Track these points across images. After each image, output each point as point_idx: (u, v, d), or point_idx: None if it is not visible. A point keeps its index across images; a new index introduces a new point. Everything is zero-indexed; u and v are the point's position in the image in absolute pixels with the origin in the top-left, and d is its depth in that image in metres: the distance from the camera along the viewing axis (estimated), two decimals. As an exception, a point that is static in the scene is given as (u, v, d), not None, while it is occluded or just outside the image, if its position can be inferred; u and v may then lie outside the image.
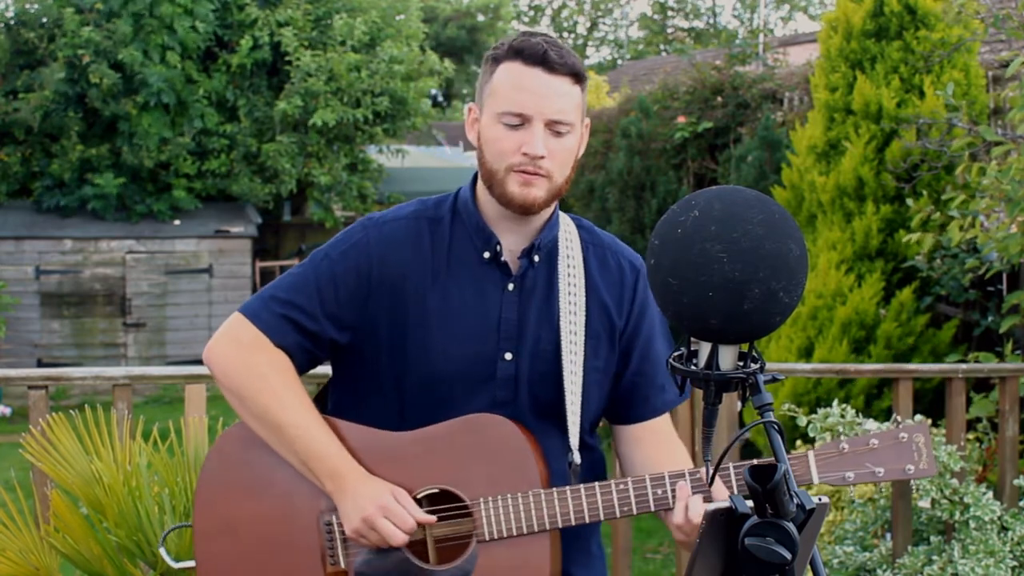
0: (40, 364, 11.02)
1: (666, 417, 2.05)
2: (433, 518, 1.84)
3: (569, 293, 1.93)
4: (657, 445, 2.01)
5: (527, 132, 1.82)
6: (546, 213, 1.92)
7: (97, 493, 2.60)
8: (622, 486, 1.84)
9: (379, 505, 1.81)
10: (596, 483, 1.85)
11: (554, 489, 1.85)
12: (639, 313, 1.99)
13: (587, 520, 1.84)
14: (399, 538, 1.81)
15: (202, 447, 2.70)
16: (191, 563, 2.01)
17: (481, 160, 1.88)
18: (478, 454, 1.86)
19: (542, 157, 1.82)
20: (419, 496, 1.87)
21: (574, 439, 1.92)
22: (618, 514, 1.85)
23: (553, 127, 1.82)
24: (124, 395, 3.25)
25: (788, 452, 1.90)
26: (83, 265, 11.62)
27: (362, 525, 1.81)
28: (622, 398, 2.01)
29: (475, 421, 1.87)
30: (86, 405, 2.73)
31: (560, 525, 1.84)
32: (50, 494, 2.67)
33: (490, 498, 1.84)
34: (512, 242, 1.92)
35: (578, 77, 1.84)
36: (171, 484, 2.63)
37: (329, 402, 2.04)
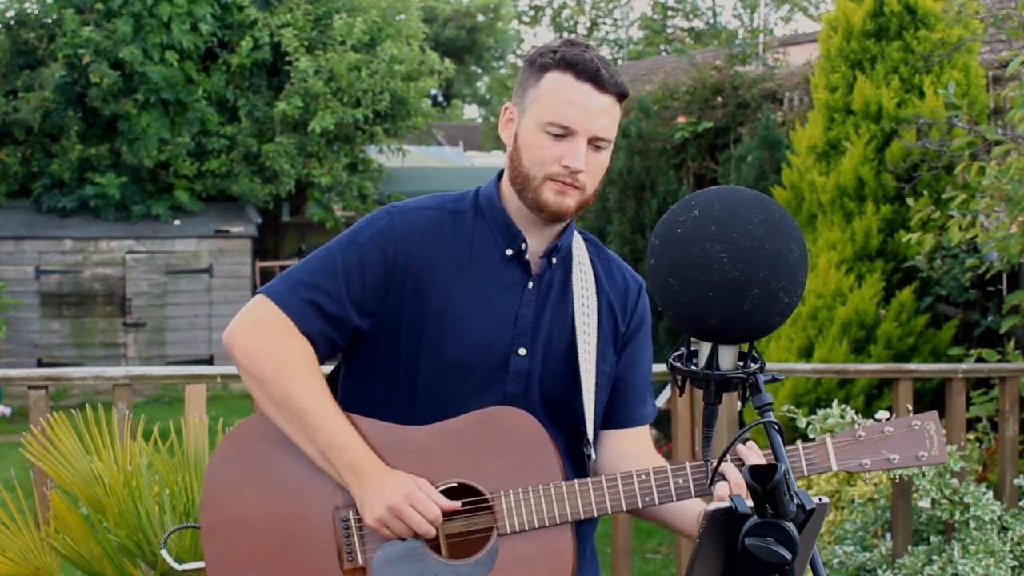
0: (40, 364, 11.02)
1: (646, 432, 2.07)
2: (457, 504, 1.82)
3: (582, 296, 1.96)
4: (640, 455, 2.01)
5: (570, 145, 1.84)
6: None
7: (97, 493, 2.60)
8: (643, 476, 1.85)
9: (405, 493, 1.79)
10: (617, 474, 1.86)
11: (575, 481, 1.85)
12: (637, 323, 2.04)
13: (609, 511, 1.85)
14: (426, 527, 1.80)
15: (202, 447, 2.70)
16: (195, 565, 1.99)
17: (516, 163, 1.89)
18: (496, 447, 1.85)
19: (581, 171, 1.85)
20: (438, 491, 1.85)
21: (590, 433, 1.94)
22: (640, 504, 1.84)
23: (594, 142, 1.86)
24: (124, 395, 3.25)
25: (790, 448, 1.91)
26: (83, 265, 11.61)
27: (387, 514, 1.79)
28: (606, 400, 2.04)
29: (492, 414, 1.87)
30: (86, 405, 2.73)
31: (582, 516, 1.84)
32: (50, 494, 2.67)
33: (510, 490, 1.83)
34: (534, 242, 1.94)
35: (622, 97, 1.88)
36: (171, 484, 2.63)
37: (338, 395, 2.02)
